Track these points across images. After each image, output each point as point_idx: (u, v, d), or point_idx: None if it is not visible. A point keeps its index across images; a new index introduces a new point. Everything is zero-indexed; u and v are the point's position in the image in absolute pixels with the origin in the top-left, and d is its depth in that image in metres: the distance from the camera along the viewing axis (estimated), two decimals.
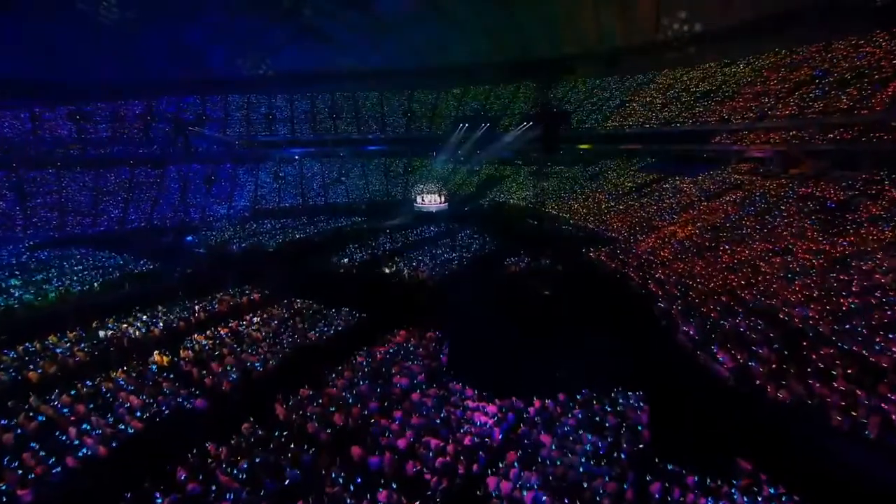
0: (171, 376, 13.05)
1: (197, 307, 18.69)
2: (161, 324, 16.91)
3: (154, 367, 13.64)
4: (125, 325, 16.52)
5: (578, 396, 12.04)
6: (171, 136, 51.41)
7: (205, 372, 13.35)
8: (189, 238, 35.32)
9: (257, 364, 13.73)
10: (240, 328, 16.52)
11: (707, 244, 25.96)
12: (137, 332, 16.12)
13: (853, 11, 35.58)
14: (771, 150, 34.65)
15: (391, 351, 14.46)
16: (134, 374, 12.90)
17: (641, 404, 11.74)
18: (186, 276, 24.42)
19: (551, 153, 47.62)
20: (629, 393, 12.18)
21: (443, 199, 46.06)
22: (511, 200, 49.88)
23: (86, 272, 23.90)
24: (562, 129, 50.87)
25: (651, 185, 41.25)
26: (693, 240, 27.22)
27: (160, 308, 18.45)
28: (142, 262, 25.83)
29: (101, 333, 15.75)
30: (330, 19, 55.41)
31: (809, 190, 28.59)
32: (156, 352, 14.25)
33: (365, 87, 67.14)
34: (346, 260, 26.74)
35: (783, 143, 32.17)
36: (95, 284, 21.77)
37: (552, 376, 13.55)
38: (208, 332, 16.05)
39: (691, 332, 16.43)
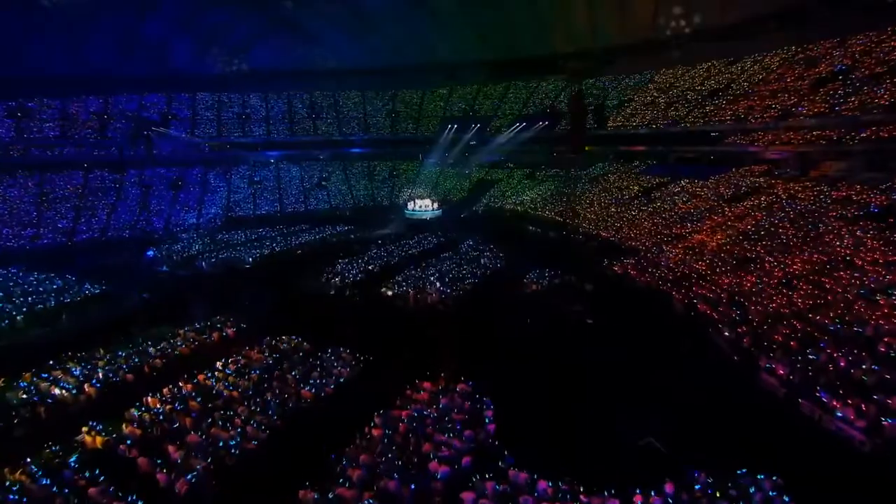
0: (103, 476, 8.87)
1: (152, 349, 14.46)
2: (99, 379, 12.64)
3: (78, 455, 9.50)
4: (46, 383, 12.20)
5: (697, 487, 8.57)
6: (131, 136, 46.11)
7: (159, 461, 9.30)
8: (150, 253, 30.47)
9: (233, 444, 9.76)
10: (208, 382, 12.45)
11: (746, 255, 23.17)
12: (63, 394, 11.85)
13: (862, 7, 34.21)
14: (788, 152, 32.58)
15: (416, 415, 10.71)
16: (42, 473, 8.70)
17: (786, 498, 8.38)
18: (142, 304, 19.98)
19: (578, 153, 43.23)
20: (759, 477, 8.81)
21: (436, 205, 42.38)
22: (507, 206, 46.68)
23: (11, 300, 19.13)
24: (596, 125, 46.22)
25: (659, 188, 38.68)
26: (728, 249, 24.40)
27: (101, 353, 14.14)
28: (87, 287, 21.15)
29: (10, 396, 11.44)
30: (307, 13, 51.42)
31: (843, 193, 26.27)
32: (84, 429, 10.08)
33: (345, 85, 63.32)
34: (336, 279, 22.74)
35: (807, 143, 29.96)
36: (18, 318, 17.17)
37: (642, 449, 10.10)
38: (165, 391, 11.93)
39: (781, 372, 13.28)
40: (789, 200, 27.91)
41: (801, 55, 36.02)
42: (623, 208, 36.70)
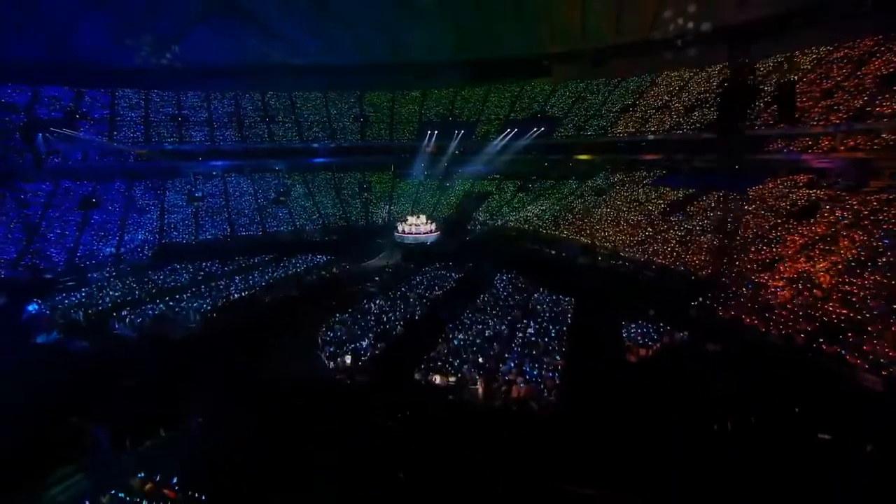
0: None
1: None
2: None
3: None
4: None
5: None
6: (19, 138, 34.79)
7: None
8: (33, 307, 20.00)
9: None
10: None
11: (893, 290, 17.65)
12: None
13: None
14: (843, 159, 28.47)
15: None
16: None
17: None
18: None
19: (737, 162, 31.09)
20: None
21: (434, 226, 34.63)
22: (510, 223, 40.07)
23: None
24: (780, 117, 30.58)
25: (691, 202, 33.54)
26: (857, 284, 18.79)
27: None
28: None
29: None
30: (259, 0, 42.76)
31: None
32: None
33: (303, 85, 54.44)
34: (344, 357, 14.44)
35: (887, 148, 25.64)
36: None
37: None
38: None
39: None
40: (875, 216, 23.11)
41: (838, 53, 32.43)
42: (661, 227, 31.04)
